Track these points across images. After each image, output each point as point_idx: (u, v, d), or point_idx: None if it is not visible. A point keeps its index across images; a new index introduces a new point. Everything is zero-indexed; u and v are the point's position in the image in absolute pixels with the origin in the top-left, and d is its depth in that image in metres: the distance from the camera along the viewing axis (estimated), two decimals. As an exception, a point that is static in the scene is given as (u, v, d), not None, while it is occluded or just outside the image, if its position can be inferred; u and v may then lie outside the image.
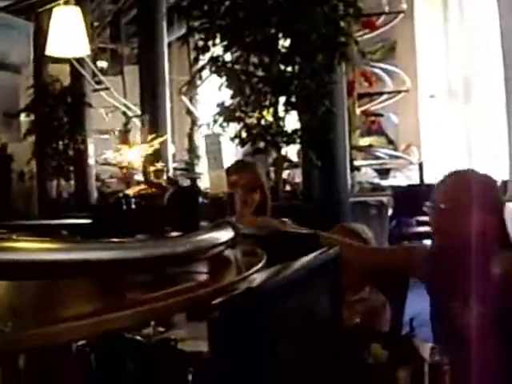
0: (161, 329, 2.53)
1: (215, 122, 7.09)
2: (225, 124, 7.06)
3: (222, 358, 1.19)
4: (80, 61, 13.13)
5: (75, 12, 3.46)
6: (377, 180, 11.42)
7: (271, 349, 1.25)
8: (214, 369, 1.27)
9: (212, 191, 2.47)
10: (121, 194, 2.35)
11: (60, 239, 1.37)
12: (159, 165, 2.42)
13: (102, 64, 16.15)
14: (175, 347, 2.14)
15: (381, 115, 11.73)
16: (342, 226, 3.57)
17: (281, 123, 6.98)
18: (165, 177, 2.77)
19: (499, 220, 2.68)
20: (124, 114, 13.99)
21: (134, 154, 2.56)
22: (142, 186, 2.45)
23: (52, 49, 3.55)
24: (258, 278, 1.30)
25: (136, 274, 1.41)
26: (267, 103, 6.98)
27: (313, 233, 2.29)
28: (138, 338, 2.27)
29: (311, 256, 1.54)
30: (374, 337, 2.38)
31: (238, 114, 7.07)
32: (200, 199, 2.91)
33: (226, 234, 1.72)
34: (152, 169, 2.40)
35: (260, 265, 1.71)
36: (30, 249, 1.16)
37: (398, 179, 11.47)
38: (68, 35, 3.43)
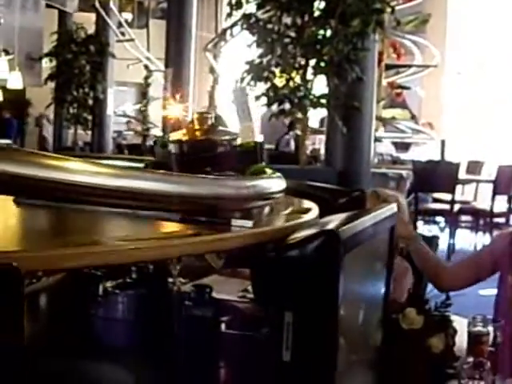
0: (182, 280, 2.50)
1: (243, 80, 7.02)
2: (252, 83, 6.99)
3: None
4: (106, 10, 13.05)
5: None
6: (395, 153, 11.35)
7: (336, 295, 1.22)
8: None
9: (242, 142, 2.47)
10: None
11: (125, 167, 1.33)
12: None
13: (128, 16, 16.02)
14: (209, 294, 2.11)
15: (408, 88, 11.61)
16: (375, 191, 3.51)
17: (309, 86, 6.91)
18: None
19: None
20: (146, 67, 13.92)
21: (178, 110, 2.51)
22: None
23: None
24: (333, 222, 1.26)
25: (194, 210, 1.38)
26: (297, 65, 6.90)
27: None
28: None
29: (379, 210, 1.50)
30: (409, 302, 2.35)
31: (266, 73, 6.99)
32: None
33: (280, 184, 1.69)
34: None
35: (313, 215, 1.68)
36: (91, 171, 1.12)
37: (417, 154, 11.39)
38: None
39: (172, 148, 2.31)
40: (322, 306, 1.17)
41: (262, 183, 1.52)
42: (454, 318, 2.47)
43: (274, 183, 1.60)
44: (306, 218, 1.51)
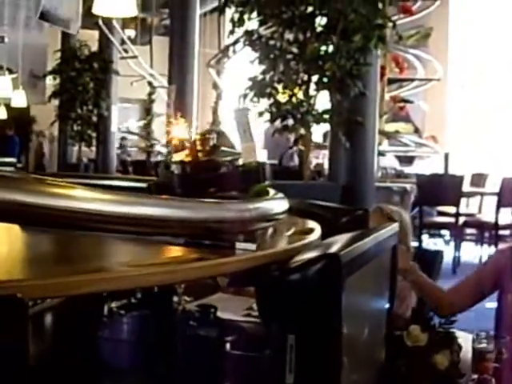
0: (187, 298, 2.51)
1: (245, 96, 7.04)
2: (255, 99, 7.01)
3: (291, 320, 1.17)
4: (109, 27, 13.12)
5: (124, -29, 3.42)
6: (399, 167, 11.36)
7: (339, 316, 1.22)
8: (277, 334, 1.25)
9: (244, 161, 2.49)
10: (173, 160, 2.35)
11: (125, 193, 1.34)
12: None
13: (131, 33, 16.09)
14: (214, 314, 2.11)
15: (411, 102, 11.63)
16: (379, 207, 3.52)
17: (311, 102, 6.93)
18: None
19: None
20: (150, 83, 13.98)
21: (180, 130, 2.54)
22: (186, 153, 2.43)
23: (99, 7, 3.51)
24: (335, 245, 1.27)
25: (198, 234, 1.39)
26: (299, 81, 6.93)
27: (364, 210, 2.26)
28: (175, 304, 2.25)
29: (381, 230, 1.51)
30: (413, 319, 2.35)
31: (268, 89, 7.01)
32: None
33: (283, 205, 1.70)
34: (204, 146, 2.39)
35: (315, 236, 1.69)
36: (90, 198, 1.14)
37: (421, 167, 11.41)
38: (116, -6, 3.41)
39: (175, 169, 2.34)
40: (324, 328, 1.18)
41: (265, 205, 1.53)
42: (458, 333, 2.48)
43: (276, 205, 1.61)
44: (309, 239, 1.52)
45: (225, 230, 1.40)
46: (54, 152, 16.57)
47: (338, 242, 1.29)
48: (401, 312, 3.10)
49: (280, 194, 1.75)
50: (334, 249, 1.19)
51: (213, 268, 1.29)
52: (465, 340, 2.46)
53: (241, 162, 2.65)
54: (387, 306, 1.96)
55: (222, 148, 2.32)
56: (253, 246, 1.42)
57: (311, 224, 1.82)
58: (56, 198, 1.03)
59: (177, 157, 2.40)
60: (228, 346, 1.89)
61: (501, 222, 9.20)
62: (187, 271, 1.23)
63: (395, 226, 1.67)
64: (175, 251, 1.42)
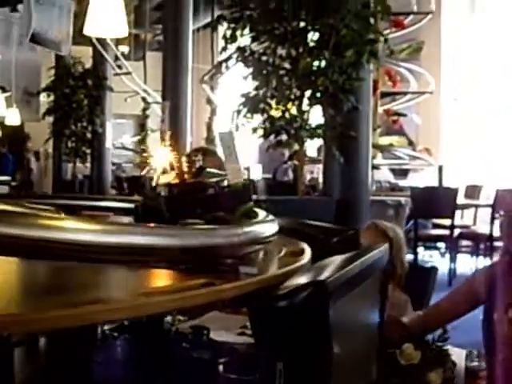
0: (180, 317, 2.51)
1: (239, 112, 7.06)
2: (249, 115, 7.03)
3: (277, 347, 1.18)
4: (103, 44, 13.15)
5: (115, -8, 3.44)
6: (393, 180, 11.37)
7: (328, 341, 1.23)
8: (265, 359, 1.26)
9: (230, 182, 2.53)
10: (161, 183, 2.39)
11: (113, 222, 1.35)
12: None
13: (124, 49, 16.13)
14: (207, 336, 2.12)
15: (404, 115, 11.67)
16: (374, 223, 3.54)
17: (305, 117, 6.95)
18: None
19: None
20: (144, 99, 14.01)
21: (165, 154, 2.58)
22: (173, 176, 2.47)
23: (90, 28, 3.53)
24: (323, 271, 1.28)
25: (189, 261, 1.40)
26: (292, 96, 6.94)
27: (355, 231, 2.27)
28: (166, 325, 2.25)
29: (370, 253, 1.52)
30: (406, 337, 2.36)
31: (262, 105, 7.03)
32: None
33: (272, 227, 1.71)
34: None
35: (306, 259, 1.70)
36: (80, 229, 1.15)
37: (415, 180, 11.43)
38: (107, 16, 3.41)
39: (162, 191, 2.38)
40: (314, 354, 1.19)
41: (255, 229, 1.54)
42: (452, 350, 2.48)
43: (266, 228, 1.61)
44: (300, 262, 1.53)
45: (215, 255, 1.41)
46: (49, 169, 16.57)
47: (327, 267, 1.30)
48: (395, 328, 3.10)
49: (269, 216, 1.76)
50: (322, 275, 1.20)
51: (220, 293, 1.31)
52: (458, 357, 2.47)
53: (227, 182, 2.69)
54: (378, 324, 1.96)
55: (208, 170, 2.34)
56: (254, 270, 1.44)
57: (302, 245, 1.83)
58: (44, 230, 1.04)
59: (163, 179, 2.44)
60: (220, 368, 1.90)
61: (495, 233, 9.21)
62: (196, 297, 1.25)
63: (385, 247, 1.68)
64: (180, 277, 1.43)
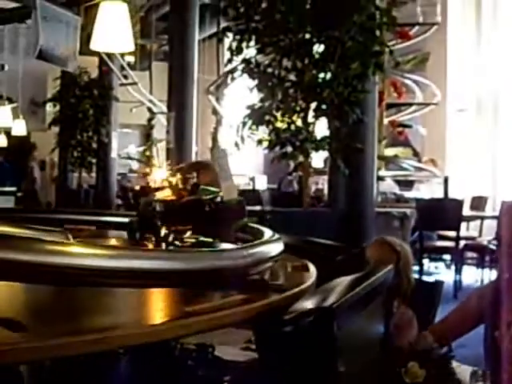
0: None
1: (244, 124, 7.07)
2: (254, 127, 7.04)
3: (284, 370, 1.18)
4: (109, 54, 13.18)
5: (122, 8, 3.45)
6: (398, 191, 11.36)
7: (332, 365, 1.23)
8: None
9: (225, 198, 2.57)
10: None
11: (119, 246, 1.35)
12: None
13: (130, 58, 16.16)
14: (212, 354, 2.12)
15: (409, 126, 11.67)
16: (382, 238, 3.53)
17: (310, 129, 6.95)
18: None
19: None
20: (149, 109, 14.03)
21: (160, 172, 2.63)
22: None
23: (97, 44, 3.54)
24: (329, 294, 1.28)
25: (196, 284, 1.40)
26: (298, 108, 6.95)
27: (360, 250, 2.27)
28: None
29: (376, 275, 1.52)
30: (411, 355, 2.35)
31: (267, 117, 7.04)
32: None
33: (278, 247, 1.71)
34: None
35: (311, 280, 1.70)
36: (84, 254, 1.15)
37: (421, 192, 11.42)
38: (113, 31, 3.42)
39: (157, 206, 2.41)
40: (320, 377, 1.19)
41: (260, 250, 1.54)
42: (457, 367, 2.47)
43: (271, 248, 1.62)
44: (306, 284, 1.53)
45: (222, 277, 1.41)
46: (52, 178, 16.61)
47: (333, 291, 1.30)
48: (403, 344, 3.09)
49: (275, 236, 1.76)
50: (328, 300, 1.20)
51: (258, 308, 1.33)
52: (463, 374, 2.46)
53: (222, 198, 2.72)
54: (383, 343, 1.96)
55: (202, 187, 2.38)
56: (282, 283, 1.48)
57: (307, 264, 1.84)
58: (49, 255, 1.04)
59: (159, 195, 2.49)
60: (226, 386, 1.90)
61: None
62: (236, 314, 1.27)
63: (390, 268, 1.68)
64: (212, 296, 1.46)
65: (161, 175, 2.56)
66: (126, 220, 2.72)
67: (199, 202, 2.20)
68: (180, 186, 2.51)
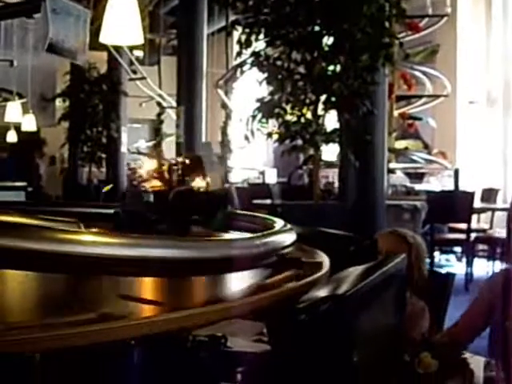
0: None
1: (254, 117, 7.05)
2: (263, 120, 7.02)
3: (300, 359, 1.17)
4: (117, 49, 13.18)
5: (131, 0, 3.44)
6: (409, 184, 11.33)
7: (346, 355, 1.22)
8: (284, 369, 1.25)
9: (211, 188, 2.62)
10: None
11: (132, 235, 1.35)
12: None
13: (139, 53, 16.17)
14: (225, 345, 2.11)
15: (419, 119, 11.63)
16: (396, 230, 3.53)
17: (320, 122, 6.93)
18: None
19: None
20: (159, 104, 14.03)
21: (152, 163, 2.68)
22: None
23: (106, 37, 3.54)
24: (342, 283, 1.27)
25: (209, 273, 1.40)
26: (307, 101, 6.93)
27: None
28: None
29: (388, 264, 1.51)
30: (424, 345, 2.34)
31: (277, 110, 7.02)
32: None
33: (291, 236, 1.70)
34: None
35: (326, 268, 1.69)
36: (96, 242, 1.14)
37: (431, 184, 11.39)
38: (123, 24, 3.42)
39: (145, 197, 2.44)
40: (335, 367, 1.18)
41: (273, 239, 1.54)
42: (470, 358, 2.46)
43: (284, 238, 1.61)
44: (320, 273, 1.53)
45: (234, 267, 1.41)
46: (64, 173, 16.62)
47: (346, 280, 1.29)
48: (415, 335, 3.08)
49: (287, 226, 1.76)
50: (341, 289, 1.19)
51: (302, 287, 1.33)
52: (477, 365, 2.44)
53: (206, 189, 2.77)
54: (397, 332, 1.95)
55: (187, 178, 2.43)
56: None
57: (320, 254, 1.83)
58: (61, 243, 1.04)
59: (146, 185, 2.52)
60: (239, 378, 1.89)
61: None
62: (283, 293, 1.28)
63: (403, 256, 1.67)
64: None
65: (150, 166, 2.60)
66: (111, 211, 2.70)
67: (190, 192, 2.24)
68: (166, 177, 2.55)
